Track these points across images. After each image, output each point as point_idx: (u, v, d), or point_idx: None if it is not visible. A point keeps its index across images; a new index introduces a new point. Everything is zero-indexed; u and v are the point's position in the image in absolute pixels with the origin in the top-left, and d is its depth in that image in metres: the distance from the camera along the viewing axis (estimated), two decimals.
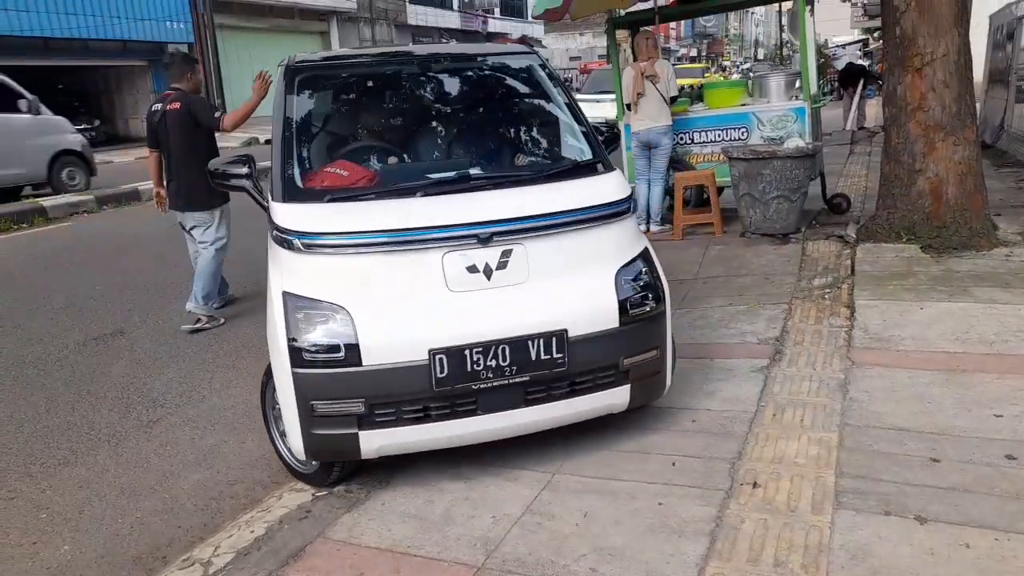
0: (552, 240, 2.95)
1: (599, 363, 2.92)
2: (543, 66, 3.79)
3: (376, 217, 2.88)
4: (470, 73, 3.96)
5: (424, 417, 2.77)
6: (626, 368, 2.96)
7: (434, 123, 3.82)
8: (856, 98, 14.89)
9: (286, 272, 2.88)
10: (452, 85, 3.90)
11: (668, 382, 3.18)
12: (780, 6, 15.39)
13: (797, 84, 6.64)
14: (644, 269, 3.09)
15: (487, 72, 3.97)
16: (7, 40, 16.44)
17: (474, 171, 3.37)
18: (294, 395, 2.75)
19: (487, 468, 2.99)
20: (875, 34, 34.63)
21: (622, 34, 8.13)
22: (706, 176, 6.44)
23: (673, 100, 6.38)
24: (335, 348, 2.70)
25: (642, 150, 6.45)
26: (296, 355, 2.71)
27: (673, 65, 7.47)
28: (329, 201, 2.98)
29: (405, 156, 3.66)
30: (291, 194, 3.03)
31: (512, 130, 3.87)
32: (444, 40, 33.31)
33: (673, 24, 49.05)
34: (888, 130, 5.57)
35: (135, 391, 4.18)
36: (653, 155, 6.43)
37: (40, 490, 3.16)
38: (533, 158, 3.66)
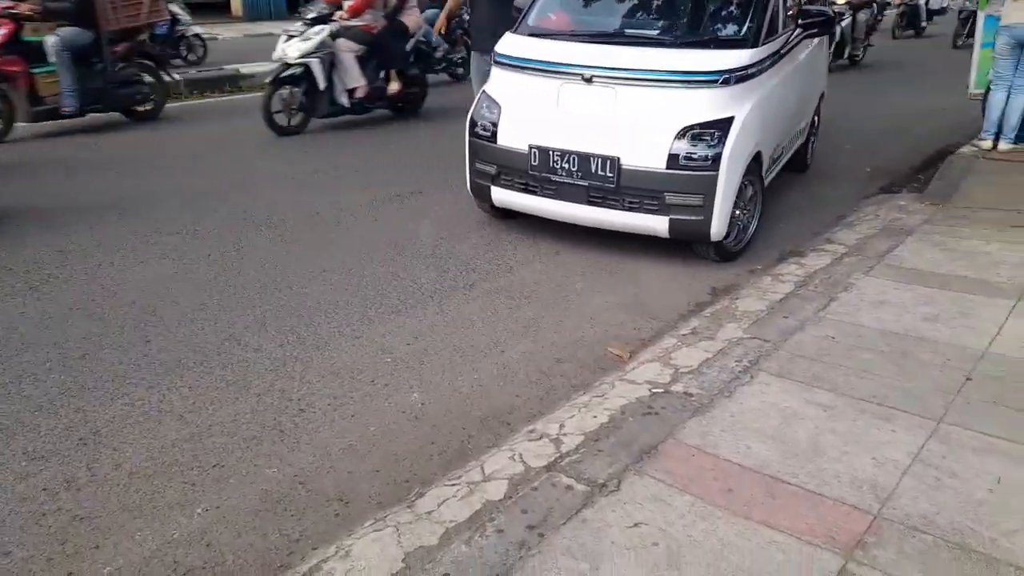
0: (638, 90, 3.92)
1: (643, 191, 3.86)
2: None
3: (534, 50, 4.29)
4: None
5: (524, 188, 4.19)
6: (668, 203, 3.82)
7: None
8: None
9: (490, 79, 4.52)
10: None
11: (716, 230, 3.85)
12: None
13: None
14: (714, 134, 3.77)
15: None
16: None
17: (627, 31, 4.42)
18: (467, 152, 4.46)
19: (846, 397, 2.64)
20: None
21: None
22: None
23: None
24: (486, 128, 4.28)
25: (1012, 49, 5.28)
26: (472, 128, 4.38)
27: None
28: (529, 36, 4.46)
29: (607, 16, 4.67)
30: (517, 29, 4.58)
31: (694, 8, 4.50)
32: None
33: None
34: None
35: (445, 252, 4.28)
36: None
37: (380, 335, 3.32)
38: (689, 28, 4.40)
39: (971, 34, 13.99)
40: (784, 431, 2.48)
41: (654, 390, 2.77)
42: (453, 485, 2.27)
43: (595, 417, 2.61)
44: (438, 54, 9.40)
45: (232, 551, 2.06)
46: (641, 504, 2.14)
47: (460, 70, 10.28)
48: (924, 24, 16.55)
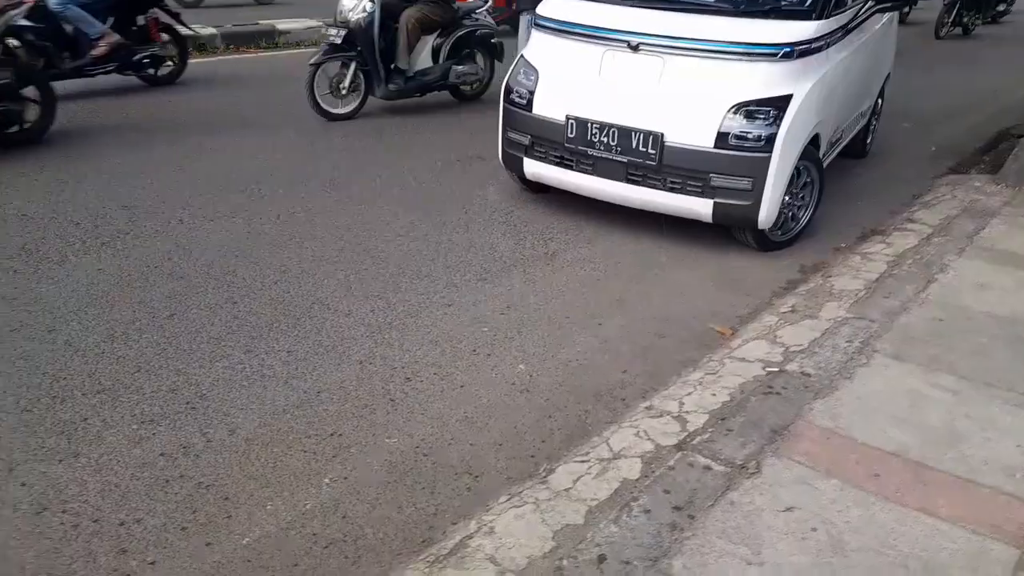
0: (689, 60, 3.59)
1: (687, 171, 3.55)
2: None
3: (578, 13, 3.91)
4: None
5: (559, 162, 3.91)
6: (714, 185, 3.52)
7: None
8: None
9: (530, 43, 4.22)
10: None
11: (764, 217, 3.55)
12: None
13: None
14: (770, 112, 3.45)
15: None
16: None
17: None
18: (500, 121, 4.18)
19: (971, 381, 2.57)
20: None
21: None
22: None
23: None
24: (522, 95, 3.99)
25: None
26: (507, 95, 4.09)
27: None
28: None
29: None
30: None
31: None
32: None
33: None
34: None
35: (518, 219, 4.16)
36: None
37: (470, 303, 3.23)
38: None
39: (957, 23, 13.30)
40: (916, 415, 2.40)
41: (768, 369, 2.69)
42: (584, 462, 2.20)
43: (714, 395, 2.53)
44: (98, 50, 5.79)
45: (370, 524, 1.99)
46: (788, 487, 2.07)
47: (154, 70, 6.49)
48: (908, 8, 14.36)
